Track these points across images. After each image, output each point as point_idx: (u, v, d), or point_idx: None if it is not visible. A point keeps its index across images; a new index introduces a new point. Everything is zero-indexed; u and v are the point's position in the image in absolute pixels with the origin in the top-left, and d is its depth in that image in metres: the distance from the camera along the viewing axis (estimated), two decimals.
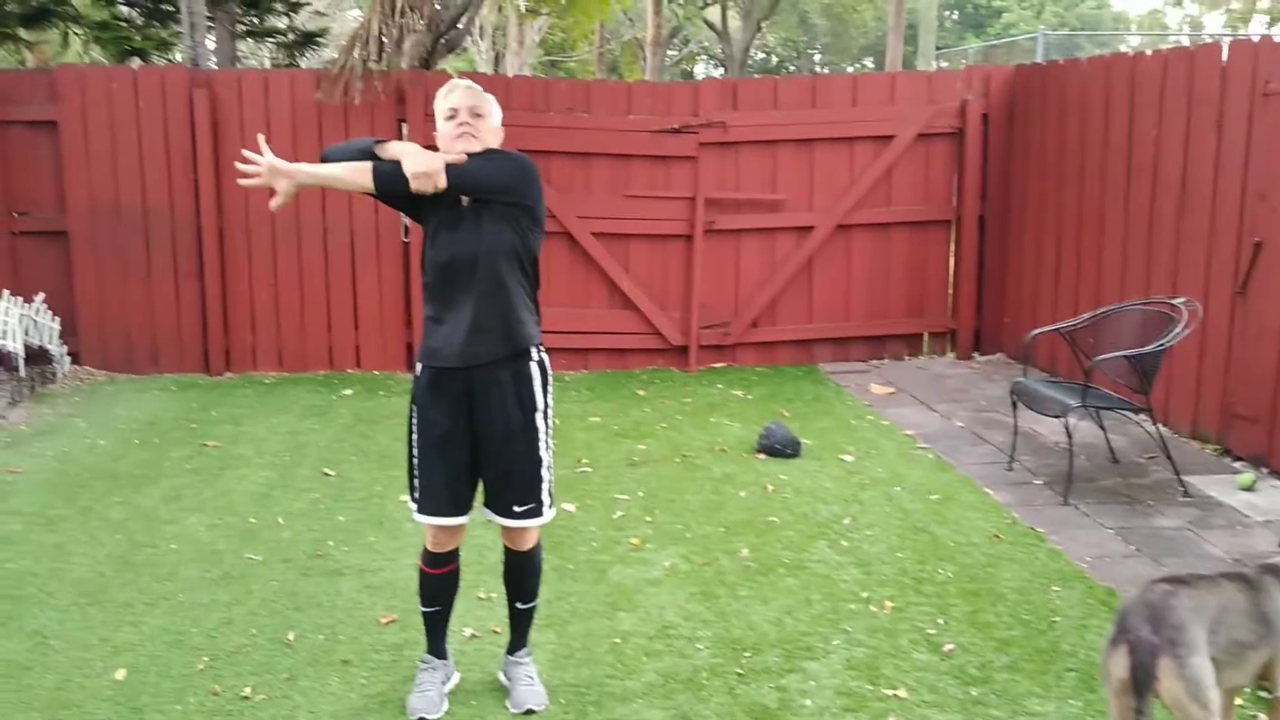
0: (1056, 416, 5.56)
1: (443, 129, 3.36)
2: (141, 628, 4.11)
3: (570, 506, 5.35)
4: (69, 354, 8.02)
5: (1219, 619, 2.83)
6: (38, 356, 7.54)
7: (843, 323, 8.65)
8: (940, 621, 4.15)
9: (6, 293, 7.46)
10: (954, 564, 4.69)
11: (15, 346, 7.19)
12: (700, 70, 36.78)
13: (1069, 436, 5.60)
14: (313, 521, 5.21)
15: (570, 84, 8.46)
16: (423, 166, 3.21)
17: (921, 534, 5.04)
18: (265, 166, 3.28)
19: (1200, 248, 6.36)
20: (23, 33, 11.21)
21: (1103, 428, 6.12)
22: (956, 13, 39.84)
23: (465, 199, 3.31)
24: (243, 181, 3.34)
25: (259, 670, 3.79)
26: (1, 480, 5.76)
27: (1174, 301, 5.67)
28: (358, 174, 3.27)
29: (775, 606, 4.28)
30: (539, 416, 3.43)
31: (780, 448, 6.19)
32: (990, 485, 5.71)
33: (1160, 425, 5.82)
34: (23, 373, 7.26)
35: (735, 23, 25.88)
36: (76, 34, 11.48)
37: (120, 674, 3.76)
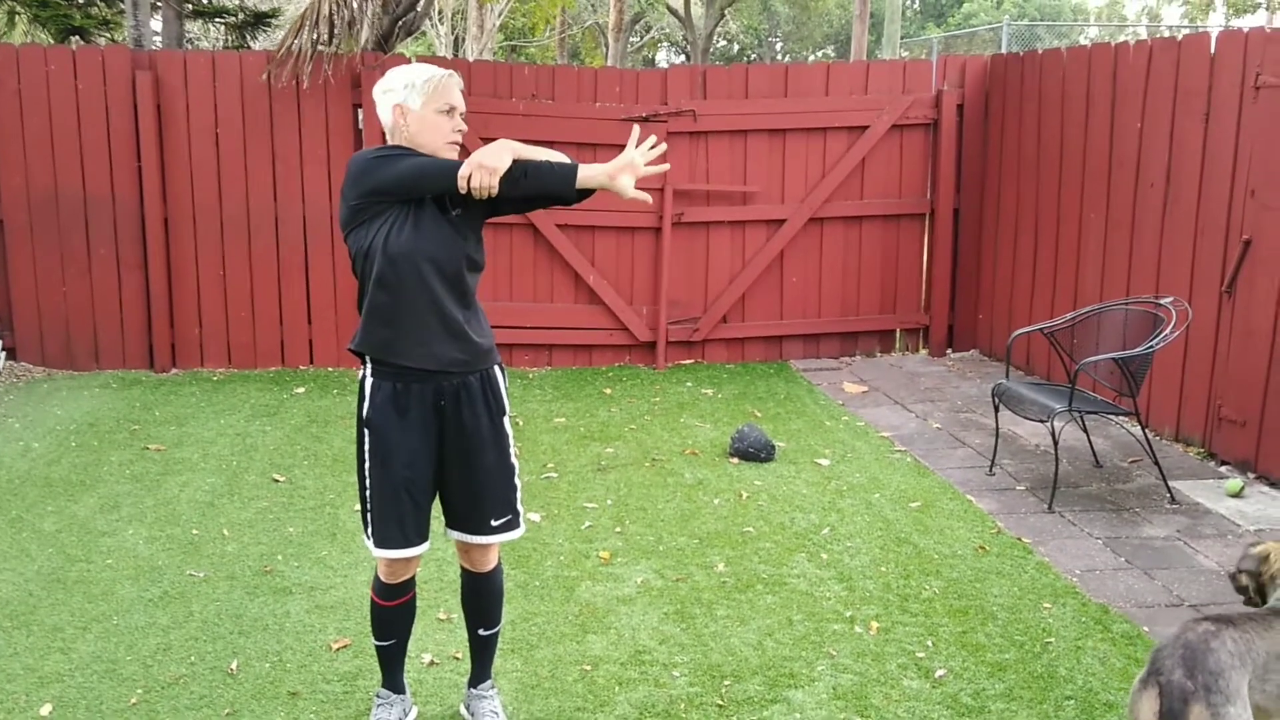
0: (1041, 421, 5.35)
1: (428, 119, 2.98)
2: (72, 655, 3.79)
3: (536, 516, 5.07)
4: (4, 349, 7.61)
5: (1269, 665, 2.59)
6: None
7: (814, 319, 8.41)
8: (929, 644, 3.92)
9: None
10: (940, 579, 4.47)
11: None
12: (662, 57, 36.48)
13: (1054, 441, 5.40)
14: (260, 533, 4.90)
15: (534, 70, 8.13)
16: (491, 161, 2.84)
17: (904, 545, 4.81)
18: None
19: (1185, 245, 6.18)
20: None
21: (1086, 431, 5.93)
22: (918, 2, 39.78)
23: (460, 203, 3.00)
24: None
25: (197, 704, 3.49)
26: None
27: (1162, 301, 5.48)
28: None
29: (755, 628, 4.04)
30: (506, 421, 3.18)
31: (754, 451, 5.94)
32: (972, 491, 5.50)
33: (1143, 428, 5.63)
34: None
35: (698, 9, 25.61)
36: (19, 13, 11.00)
37: (46, 709, 3.45)
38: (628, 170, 2.95)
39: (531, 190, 2.95)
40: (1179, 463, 5.92)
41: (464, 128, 3.05)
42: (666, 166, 3.11)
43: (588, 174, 2.95)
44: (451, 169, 2.88)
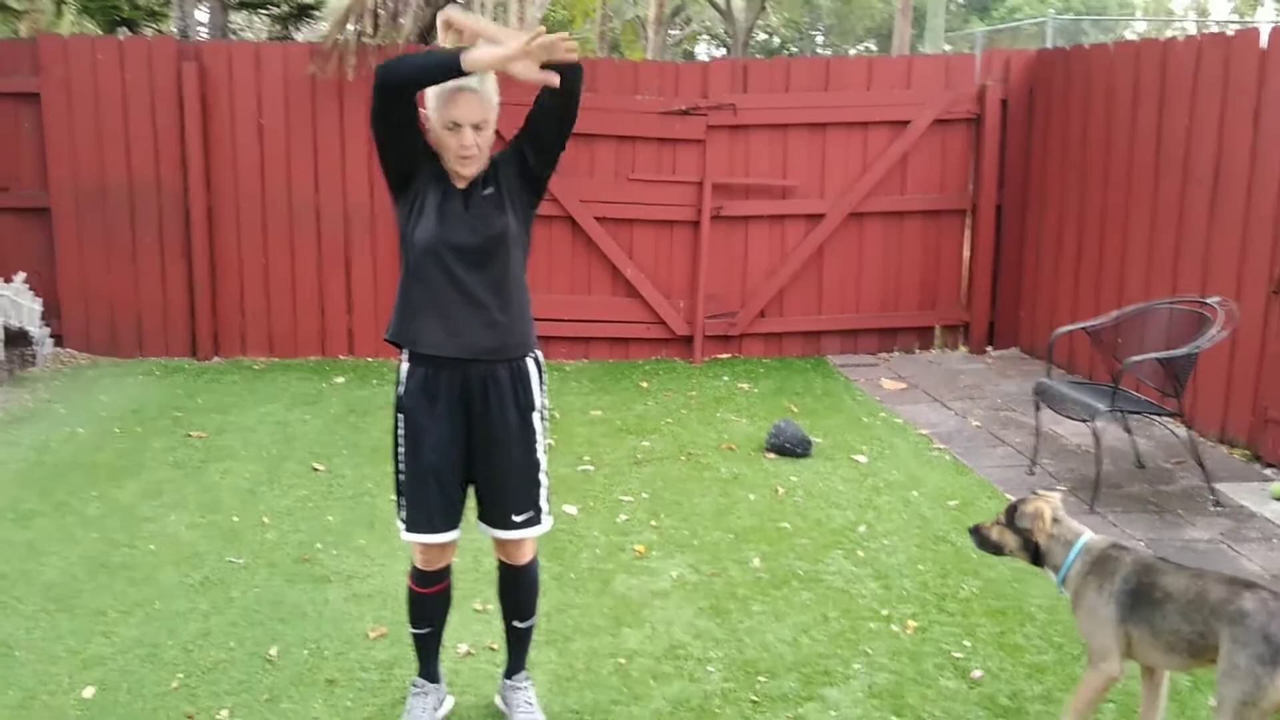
0: (1084, 420, 5.29)
1: (438, 134, 2.96)
2: (114, 639, 3.85)
3: (572, 509, 5.09)
4: (51, 336, 7.73)
5: None
6: (17, 338, 7.25)
7: (853, 314, 8.37)
8: (966, 644, 3.89)
9: None
10: (978, 578, 4.43)
11: None
12: (702, 50, 36.35)
13: (1096, 441, 5.33)
14: (300, 521, 4.95)
15: None
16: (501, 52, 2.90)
17: (942, 544, 4.78)
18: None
19: (1233, 244, 6.08)
20: (13, 2, 10.88)
21: (1129, 431, 5.86)
22: None
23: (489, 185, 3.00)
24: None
25: (237, 690, 3.53)
26: None
27: (1209, 301, 5.39)
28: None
29: (790, 624, 4.02)
30: (536, 417, 3.15)
31: (790, 447, 5.92)
32: (1011, 490, 5.45)
33: (1188, 429, 5.54)
34: (1, 355, 6.97)
35: (739, 2, 25.50)
36: (68, 3, 11.17)
37: (89, 691, 3.50)
38: (518, 59, 2.92)
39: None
40: (1223, 465, 5.84)
41: (471, 146, 2.95)
42: (574, 56, 3.02)
43: (474, 57, 2.88)
44: (453, 58, 2.85)
